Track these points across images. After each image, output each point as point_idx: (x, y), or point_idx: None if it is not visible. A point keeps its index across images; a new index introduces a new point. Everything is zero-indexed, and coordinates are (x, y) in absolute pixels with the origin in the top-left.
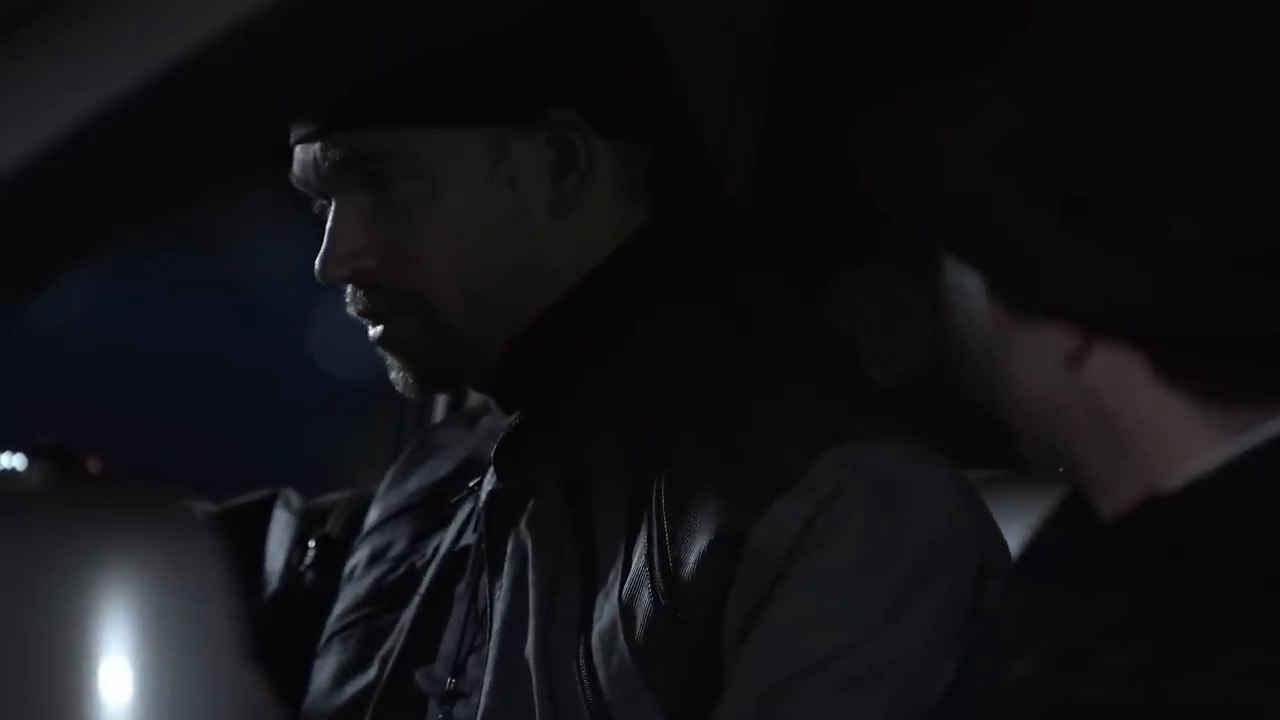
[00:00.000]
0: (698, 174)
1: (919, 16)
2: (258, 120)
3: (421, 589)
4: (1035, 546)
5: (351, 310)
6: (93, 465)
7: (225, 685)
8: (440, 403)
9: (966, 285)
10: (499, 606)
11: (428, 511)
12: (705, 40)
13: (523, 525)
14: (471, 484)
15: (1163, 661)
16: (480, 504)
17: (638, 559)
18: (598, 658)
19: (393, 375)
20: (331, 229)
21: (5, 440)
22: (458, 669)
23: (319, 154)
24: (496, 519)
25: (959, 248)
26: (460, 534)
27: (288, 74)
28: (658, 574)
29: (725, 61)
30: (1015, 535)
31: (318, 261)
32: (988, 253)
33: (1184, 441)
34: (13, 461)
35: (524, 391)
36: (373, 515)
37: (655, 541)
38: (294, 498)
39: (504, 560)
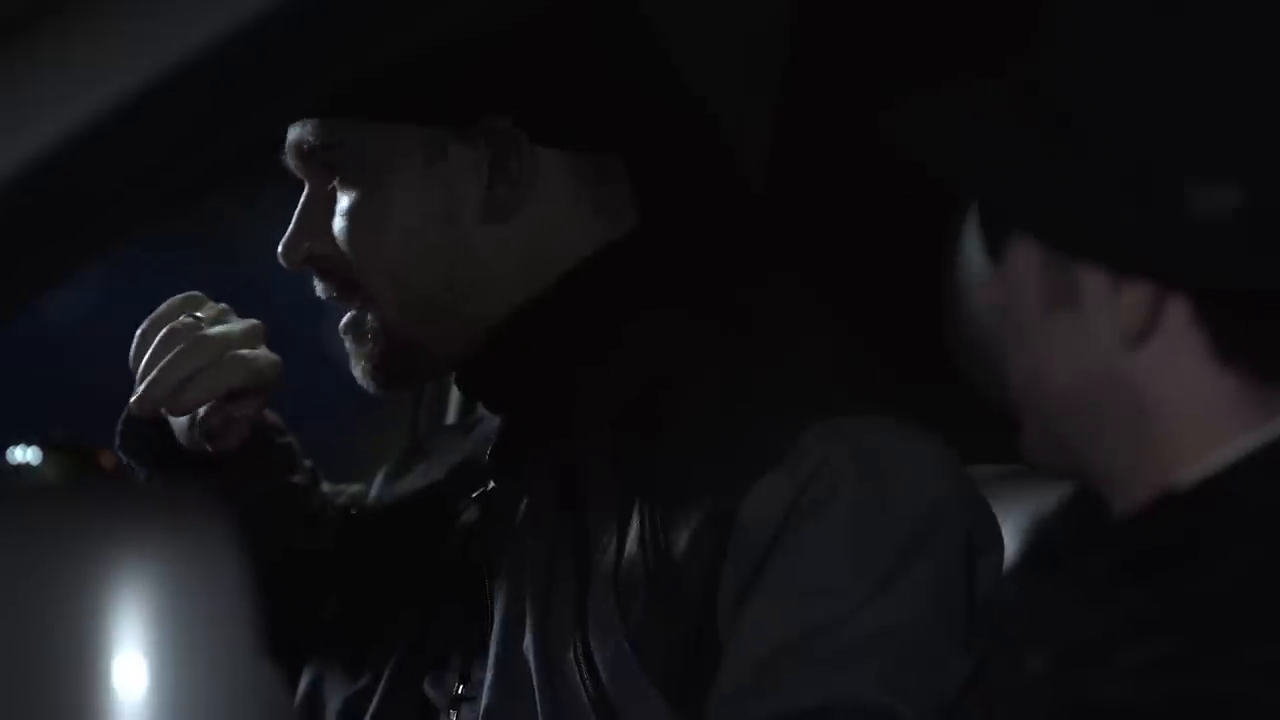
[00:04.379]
0: (685, 185)
1: (934, 9)
2: (268, 117)
3: (422, 594)
4: (1047, 542)
5: (320, 293)
6: (106, 460)
7: (239, 678)
8: (453, 401)
9: (1018, 274)
10: (498, 606)
11: (420, 513)
12: (720, 36)
13: (518, 524)
14: (470, 490)
15: (1177, 657)
16: (477, 507)
17: (630, 545)
18: (594, 644)
19: (353, 367)
20: (296, 214)
21: (19, 435)
22: (464, 674)
23: (291, 140)
24: (493, 520)
25: (1033, 220)
26: (459, 538)
27: (297, 71)
28: (650, 557)
29: (739, 58)
30: (1024, 531)
31: (281, 242)
32: (1067, 221)
33: (1226, 423)
34: (27, 456)
35: (505, 395)
36: (364, 512)
37: (647, 526)
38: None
39: (502, 561)
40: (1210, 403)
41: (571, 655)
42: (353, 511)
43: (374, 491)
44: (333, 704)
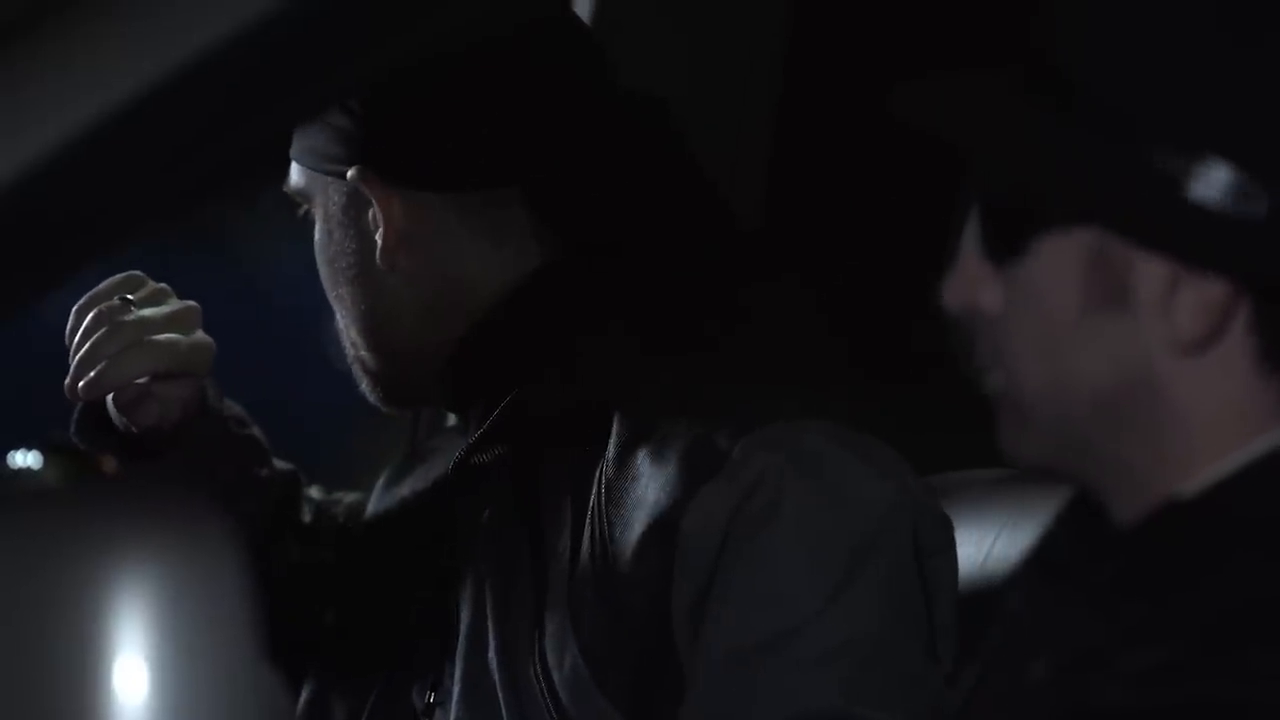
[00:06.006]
0: (589, 208)
1: (932, 23)
2: (271, 119)
3: (414, 600)
4: (1048, 549)
5: None
6: (107, 464)
7: (239, 682)
8: None
9: (1048, 274)
10: (462, 617)
11: (415, 519)
12: (718, 53)
13: (480, 536)
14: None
15: (1181, 662)
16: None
17: (583, 558)
18: (551, 661)
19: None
20: None
21: (20, 439)
22: (435, 682)
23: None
24: (461, 532)
25: (1098, 211)
26: (443, 545)
27: (299, 73)
28: (600, 571)
29: (738, 74)
30: (1020, 535)
31: None
32: (1138, 211)
33: (1254, 430)
34: (28, 460)
35: (462, 409)
36: (364, 519)
37: (596, 539)
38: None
39: (466, 571)
40: (1246, 411)
41: (531, 670)
42: (351, 521)
43: (375, 496)
44: (337, 713)
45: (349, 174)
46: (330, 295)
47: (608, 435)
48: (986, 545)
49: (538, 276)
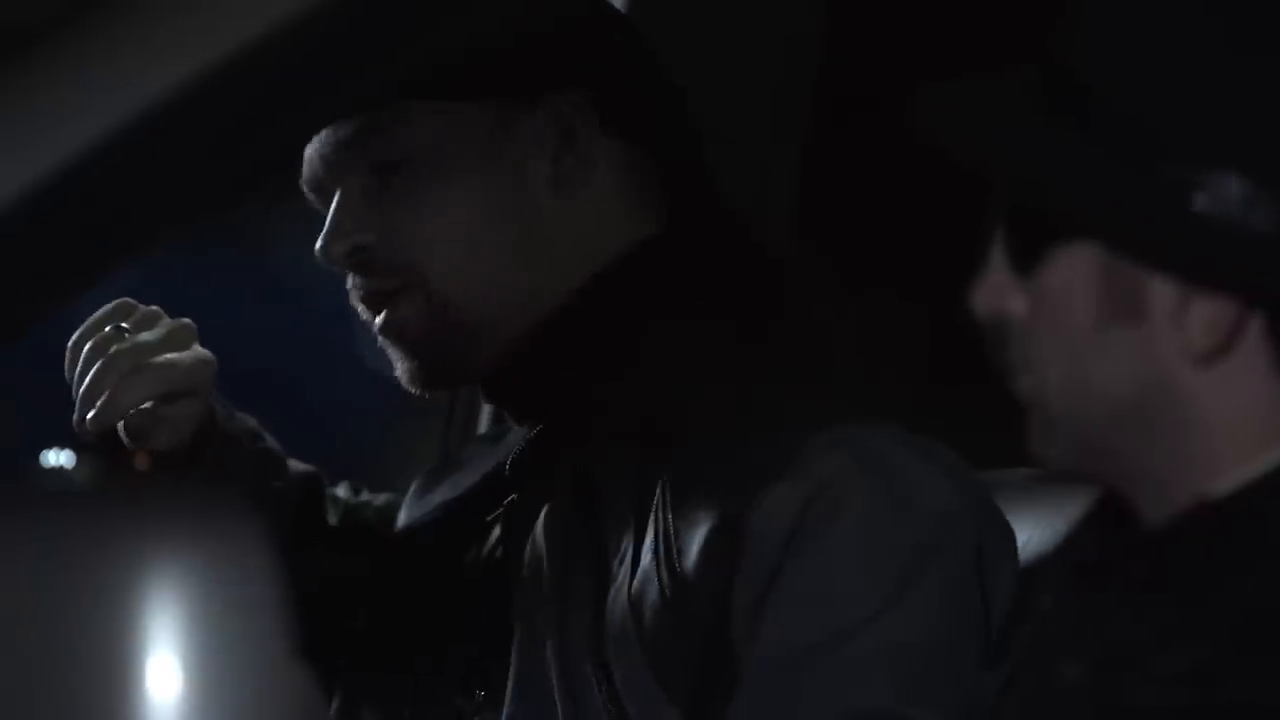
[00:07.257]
0: (706, 189)
1: (968, 27)
2: (300, 121)
3: (452, 603)
4: (1078, 549)
5: (355, 300)
6: (140, 462)
7: (272, 680)
8: (484, 412)
9: (1065, 285)
10: (518, 615)
11: (451, 524)
12: (752, 57)
13: (537, 533)
14: (499, 499)
15: (1214, 664)
16: (503, 517)
17: (645, 556)
18: (610, 657)
19: (398, 370)
20: (334, 210)
21: (53, 438)
22: (486, 682)
23: (326, 138)
24: (515, 529)
25: (1101, 230)
26: (486, 548)
27: (330, 73)
28: (664, 569)
29: (773, 77)
30: (1053, 534)
31: (319, 241)
32: (1142, 231)
33: (1275, 434)
34: (60, 458)
35: (528, 404)
36: (397, 524)
37: (660, 537)
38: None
39: (522, 570)
40: (1267, 417)
41: (589, 667)
42: (383, 522)
43: (406, 502)
44: (371, 717)
45: (554, 97)
46: (439, 243)
47: (673, 432)
48: (1019, 545)
49: (646, 250)
